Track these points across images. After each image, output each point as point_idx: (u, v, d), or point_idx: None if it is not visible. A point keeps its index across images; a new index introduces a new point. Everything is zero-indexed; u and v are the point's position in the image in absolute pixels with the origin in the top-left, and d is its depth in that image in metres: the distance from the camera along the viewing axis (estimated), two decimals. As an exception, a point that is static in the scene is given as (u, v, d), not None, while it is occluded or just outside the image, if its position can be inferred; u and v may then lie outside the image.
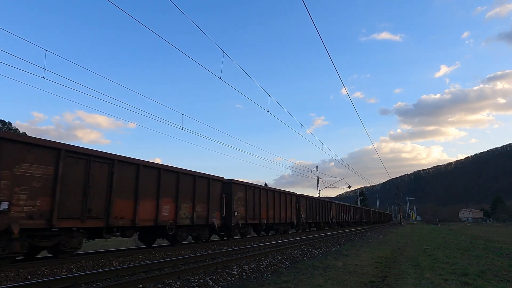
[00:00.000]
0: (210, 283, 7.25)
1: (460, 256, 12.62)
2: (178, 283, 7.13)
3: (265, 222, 21.21)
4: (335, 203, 39.01)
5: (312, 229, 33.49)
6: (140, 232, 13.89)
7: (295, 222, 26.13)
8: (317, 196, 42.14)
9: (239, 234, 19.56)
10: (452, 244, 18.36)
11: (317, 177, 54.20)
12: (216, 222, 16.28)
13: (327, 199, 37.12)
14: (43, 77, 11.44)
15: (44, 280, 6.88)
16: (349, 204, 47.17)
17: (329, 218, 35.39)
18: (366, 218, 58.34)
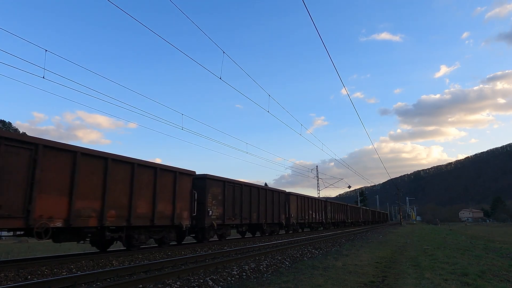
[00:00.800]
0: (210, 283, 7.25)
1: (460, 256, 12.62)
2: (178, 283, 7.13)
3: (63, 225, 9.65)
4: (298, 196, 28.07)
5: (246, 235, 21.90)
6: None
7: (185, 224, 14.44)
8: (317, 196, 40.30)
9: None
10: (452, 244, 18.36)
11: (317, 177, 54.26)
12: None
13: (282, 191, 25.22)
14: (43, 77, 11.43)
15: (44, 280, 6.88)
16: (324, 199, 36.69)
17: (283, 217, 24.33)
18: (353, 218, 49.66)
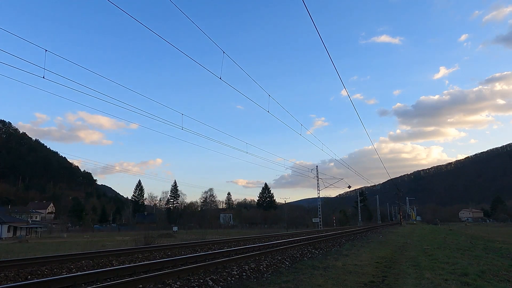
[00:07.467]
0: (210, 283, 7.24)
1: (460, 256, 12.62)
2: (178, 283, 7.12)
3: None
4: None
5: None
6: None
7: None
8: (317, 196, 39.87)
9: None
10: (452, 244, 18.35)
11: (317, 177, 54.17)
12: None
13: None
14: (43, 77, 11.42)
15: (44, 280, 6.88)
16: None
17: None
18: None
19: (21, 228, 57.61)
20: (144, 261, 10.49)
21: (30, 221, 72.63)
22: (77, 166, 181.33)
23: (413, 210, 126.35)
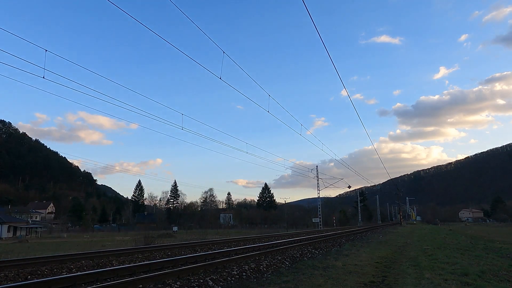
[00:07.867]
0: (210, 283, 7.24)
1: (460, 256, 12.62)
2: (178, 283, 7.13)
3: None
4: None
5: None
6: None
7: None
8: (317, 196, 40.08)
9: None
10: (452, 244, 18.36)
11: (317, 177, 54.16)
12: None
13: None
14: (43, 77, 11.41)
15: (44, 280, 6.89)
16: None
17: None
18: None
19: (21, 228, 57.65)
20: (144, 261, 10.49)
21: (30, 221, 72.66)
22: (77, 166, 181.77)
23: (413, 210, 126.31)
